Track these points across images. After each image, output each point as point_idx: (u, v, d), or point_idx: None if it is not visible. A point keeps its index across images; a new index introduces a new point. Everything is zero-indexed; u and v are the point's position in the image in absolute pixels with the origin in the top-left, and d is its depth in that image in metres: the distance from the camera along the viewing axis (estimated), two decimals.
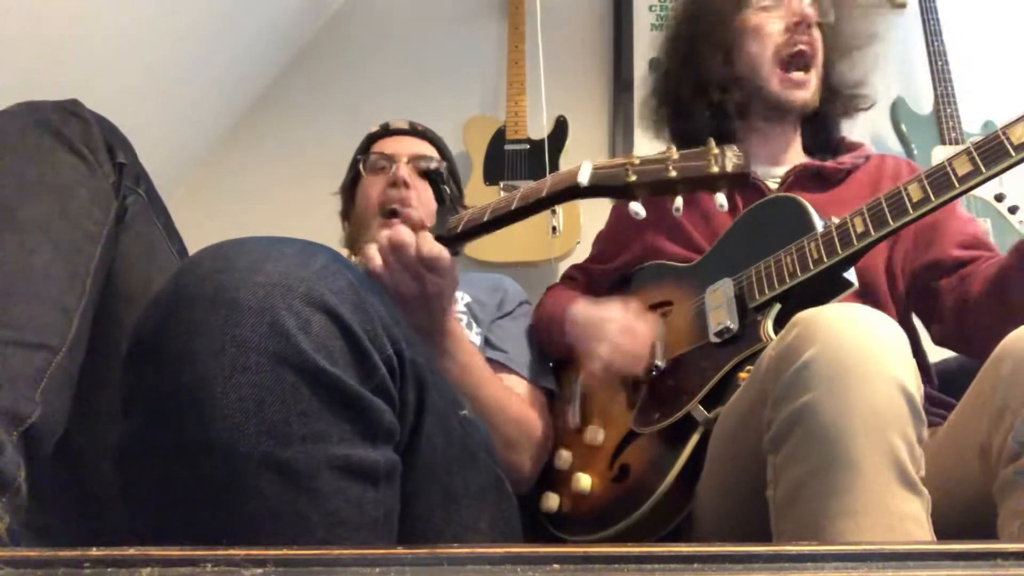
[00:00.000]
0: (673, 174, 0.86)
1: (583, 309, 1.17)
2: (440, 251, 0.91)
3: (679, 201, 0.88)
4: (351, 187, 1.47)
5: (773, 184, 1.24)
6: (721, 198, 0.86)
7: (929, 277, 1.14)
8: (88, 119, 0.82)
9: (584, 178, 0.89)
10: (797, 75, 1.23)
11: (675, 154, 0.88)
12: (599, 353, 1.10)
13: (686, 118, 1.34)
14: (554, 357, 1.30)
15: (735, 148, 0.86)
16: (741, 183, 0.86)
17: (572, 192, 0.90)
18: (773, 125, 1.28)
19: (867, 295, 1.09)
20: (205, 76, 2.03)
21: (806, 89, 1.23)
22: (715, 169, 0.85)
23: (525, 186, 0.97)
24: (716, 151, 0.86)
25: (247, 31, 2.07)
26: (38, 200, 0.74)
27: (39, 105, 0.81)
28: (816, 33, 1.23)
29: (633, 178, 0.88)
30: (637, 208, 0.88)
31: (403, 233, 0.90)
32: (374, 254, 0.91)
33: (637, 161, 0.89)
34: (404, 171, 1.34)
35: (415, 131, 1.47)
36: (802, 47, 1.23)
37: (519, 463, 1.08)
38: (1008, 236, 1.85)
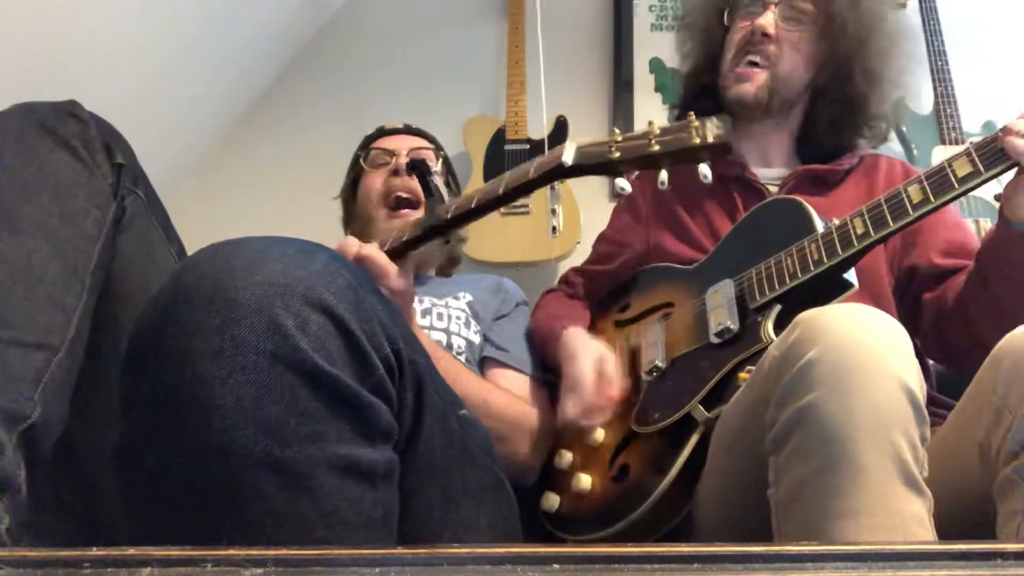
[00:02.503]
0: (656, 148, 0.87)
1: (566, 352, 1.16)
2: (369, 253, 0.95)
3: (664, 175, 0.89)
4: (352, 188, 1.48)
5: (773, 188, 1.24)
6: (705, 168, 0.87)
7: (912, 288, 1.15)
8: (86, 120, 0.82)
9: (569, 157, 0.90)
10: (741, 70, 1.25)
11: (657, 129, 0.89)
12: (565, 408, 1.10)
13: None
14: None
15: (715, 119, 0.86)
16: (723, 153, 0.86)
17: (558, 172, 0.91)
18: (755, 125, 1.29)
19: (871, 295, 1.10)
20: (204, 77, 2.03)
21: (750, 82, 1.24)
22: (696, 140, 0.86)
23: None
24: (697, 123, 0.87)
25: (247, 31, 2.07)
26: (37, 201, 0.74)
27: (37, 106, 0.81)
28: (772, 48, 1.24)
29: (617, 155, 0.88)
30: (623, 184, 0.89)
31: (347, 242, 0.97)
32: None
33: (620, 138, 0.90)
34: (406, 161, 1.36)
35: (410, 130, 1.51)
36: (752, 58, 1.25)
37: (516, 454, 1.09)
38: None
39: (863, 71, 1.24)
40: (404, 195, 1.36)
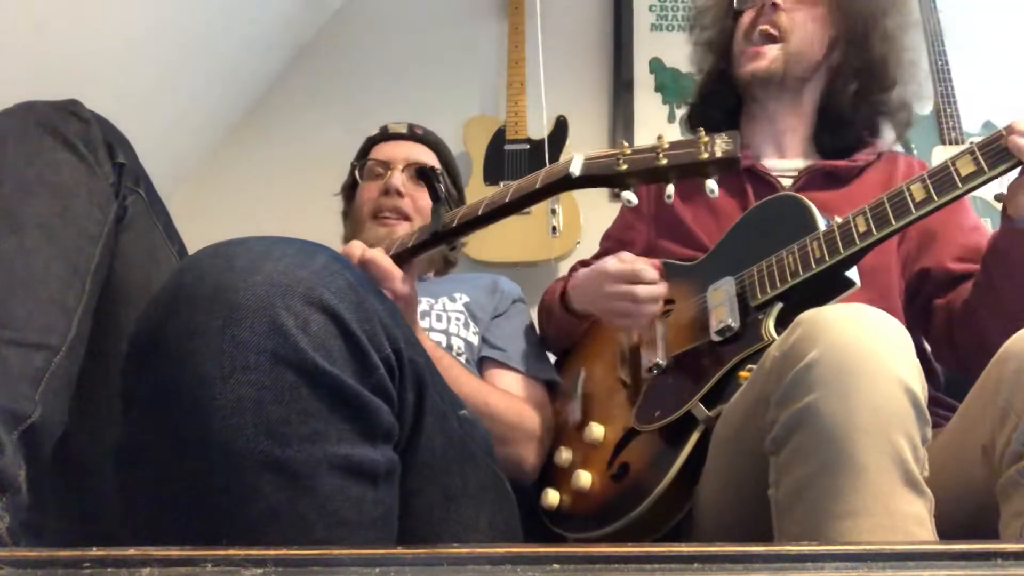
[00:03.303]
0: (664, 162, 0.87)
1: (581, 273, 1.17)
2: (373, 256, 0.95)
3: (671, 189, 0.89)
4: (351, 188, 1.48)
5: (786, 181, 1.24)
6: (712, 184, 0.87)
7: (923, 292, 1.15)
8: (88, 119, 0.82)
9: (576, 169, 0.90)
10: (753, 48, 1.26)
11: (665, 143, 0.89)
12: (610, 304, 1.09)
13: (701, 116, 1.37)
14: (557, 344, 1.31)
15: (724, 135, 0.87)
16: (731, 169, 0.87)
17: (565, 183, 0.91)
18: (771, 103, 1.29)
19: (879, 294, 1.09)
20: (205, 76, 2.03)
21: (762, 58, 1.25)
22: (704, 155, 0.86)
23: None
24: (706, 139, 0.87)
25: (247, 31, 2.07)
26: (38, 200, 0.74)
27: (39, 105, 0.81)
28: (784, 17, 1.24)
29: (624, 167, 0.89)
30: (629, 196, 0.89)
31: (351, 246, 0.96)
32: None
33: (628, 151, 0.90)
34: (398, 179, 1.36)
35: (413, 135, 1.48)
36: (763, 27, 1.26)
37: (516, 456, 1.09)
38: None
39: (880, 36, 1.24)
40: (390, 214, 1.36)
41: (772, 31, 1.25)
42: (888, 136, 1.31)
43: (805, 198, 1.06)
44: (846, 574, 0.44)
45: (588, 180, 0.91)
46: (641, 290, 1.06)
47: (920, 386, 0.72)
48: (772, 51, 1.24)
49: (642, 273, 1.07)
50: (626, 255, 1.11)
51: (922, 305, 1.15)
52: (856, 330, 0.73)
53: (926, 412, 0.72)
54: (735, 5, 1.32)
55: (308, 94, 2.34)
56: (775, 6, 1.24)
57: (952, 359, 1.13)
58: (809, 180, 1.22)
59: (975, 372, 0.81)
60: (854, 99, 1.26)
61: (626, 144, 0.92)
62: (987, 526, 0.74)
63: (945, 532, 0.70)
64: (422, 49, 2.37)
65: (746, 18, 1.29)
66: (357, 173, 1.45)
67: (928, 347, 1.15)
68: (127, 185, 0.85)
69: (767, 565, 0.44)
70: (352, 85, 2.34)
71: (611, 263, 1.10)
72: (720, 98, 1.34)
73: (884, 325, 0.75)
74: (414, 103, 2.27)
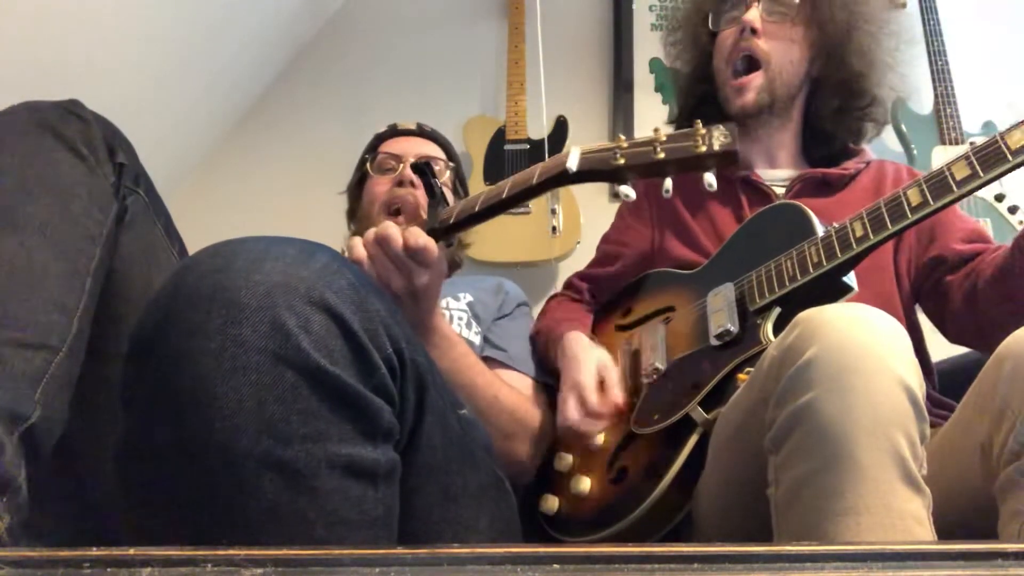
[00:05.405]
0: (661, 155, 0.86)
1: (569, 346, 1.16)
2: (427, 243, 0.90)
3: (668, 183, 0.88)
4: (357, 186, 1.48)
5: (779, 190, 1.25)
6: (710, 177, 0.86)
7: (936, 274, 1.15)
8: (88, 119, 0.82)
9: (573, 163, 0.89)
10: (737, 81, 1.27)
11: (663, 136, 0.88)
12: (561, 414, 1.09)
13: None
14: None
15: (722, 127, 0.86)
16: (730, 162, 0.86)
17: (562, 178, 0.90)
18: (760, 129, 1.30)
19: (877, 295, 1.10)
20: (205, 76, 2.03)
21: (748, 91, 1.26)
22: (703, 149, 0.85)
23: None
24: (703, 131, 0.86)
25: (247, 31, 2.07)
26: (38, 200, 0.74)
27: (39, 105, 0.81)
28: (762, 42, 1.25)
29: (622, 161, 0.88)
30: (627, 191, 0.88)
31: (390, 227, 0.90)
32: (357, 246, 0.91)
33: (625, 144, 0.89)
34: (410, 171, 1.36)
35: (422, 132, 1.49)
36: (744, 52, 1.27)
37: (517, 452, 1.09)
38: (1008, 236, 1.86)
39: (856, 51, 1.26)
40: (403, 206, 1.35)
41: (753, 54, 1.26)
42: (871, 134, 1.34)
43: (804, 205, 1.06)
44: (846, 574, 0.44)
45: (585, 175, 0.90)
46: (581, 419, 1.05)
47: (918, 384, 0.72)
48: (756, 81, 1.25)
49: (591, 406, 1.06)
50: (603, 379, 1.09)
51: (931, 287, 1.16)
52: (854, 328, 0.73)
53: (924, 410, 0.72)
54: (711, 26, 1.33)
55: (308, 94, 2.34)
56: (754, 30, 1.25)
57: (974, 329, 1.11)
58: (802, 188, 1.24)
59: (997, 343, 0.79)
60: (836, 114, 1.28)
61: (623, 138, 0.91)
62: (984, 525, 0.74)
63: (943, 531, 0.70)
64: (422, 49, 2.37)
65: (726, 39, 1.30)
66: (368, 166, 1.44)
67: (952, 330, 1.14)
68: (127, 185, 0.85)
69: (767, 565, 0.44)
70: (352, 85, 2.34)
71: (586, 377, 1.08)
72: (706, 119, 1.34)
73: (882, 323, 0.75)
74: (414, 103, 2.27)
